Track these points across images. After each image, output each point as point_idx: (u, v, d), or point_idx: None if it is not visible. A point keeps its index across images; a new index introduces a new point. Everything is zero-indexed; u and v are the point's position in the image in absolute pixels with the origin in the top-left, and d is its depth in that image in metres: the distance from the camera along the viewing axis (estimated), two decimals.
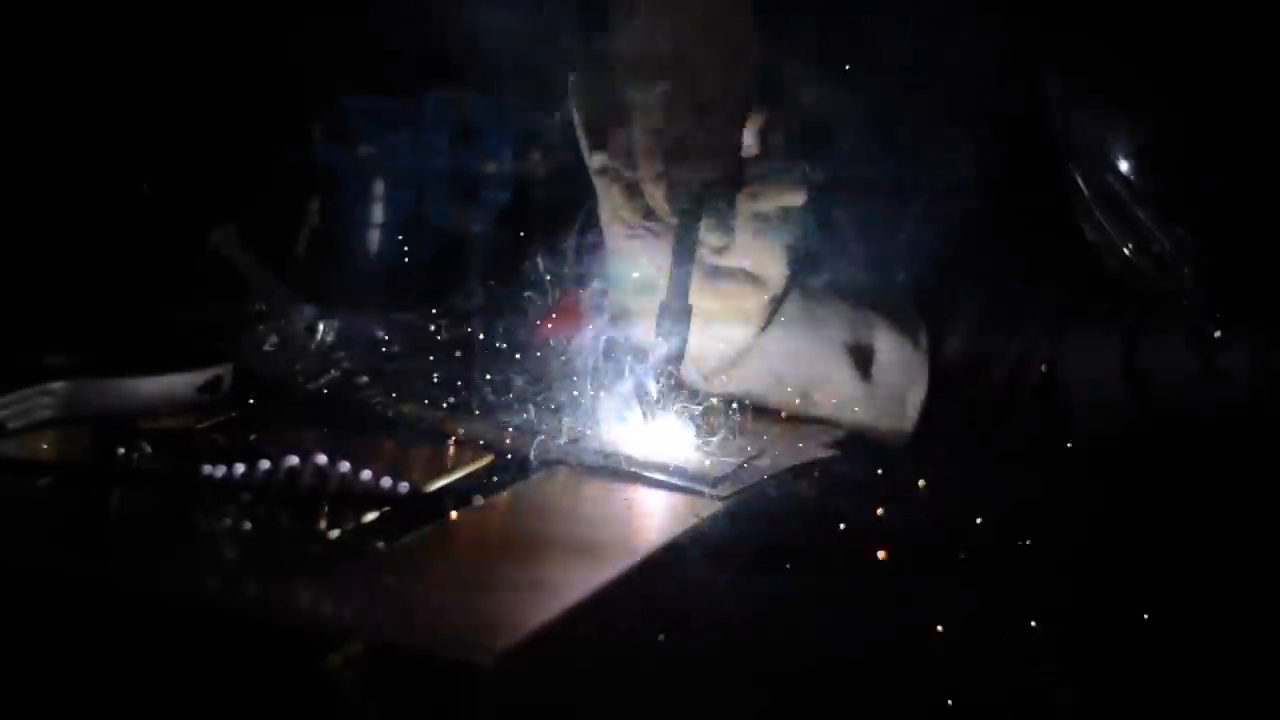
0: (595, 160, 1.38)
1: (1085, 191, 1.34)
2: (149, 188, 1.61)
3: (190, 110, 1.62)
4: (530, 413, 1.36)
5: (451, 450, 1.31)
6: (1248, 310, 1.29)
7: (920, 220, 1.42)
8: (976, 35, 1.38)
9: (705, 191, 1.34)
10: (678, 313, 1.31)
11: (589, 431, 1.32)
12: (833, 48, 1.39)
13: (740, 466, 1.28)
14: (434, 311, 1.53)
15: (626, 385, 1.32)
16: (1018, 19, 1.37)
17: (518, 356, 1.43)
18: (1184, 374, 1.33)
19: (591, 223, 1.42)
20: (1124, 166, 1.30)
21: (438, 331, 1.50)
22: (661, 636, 1.05)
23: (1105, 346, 1.38)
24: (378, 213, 1.66)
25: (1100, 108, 1.32)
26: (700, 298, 1.34)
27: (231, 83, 1.63)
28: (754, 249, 1.38)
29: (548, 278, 1.46)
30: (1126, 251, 1.33)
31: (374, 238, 1.66)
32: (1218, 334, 1.29)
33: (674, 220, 1.34)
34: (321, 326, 1.50)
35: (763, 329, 1.42)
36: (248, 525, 1.10)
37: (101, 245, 1.56)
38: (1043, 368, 1.40)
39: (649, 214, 1.37)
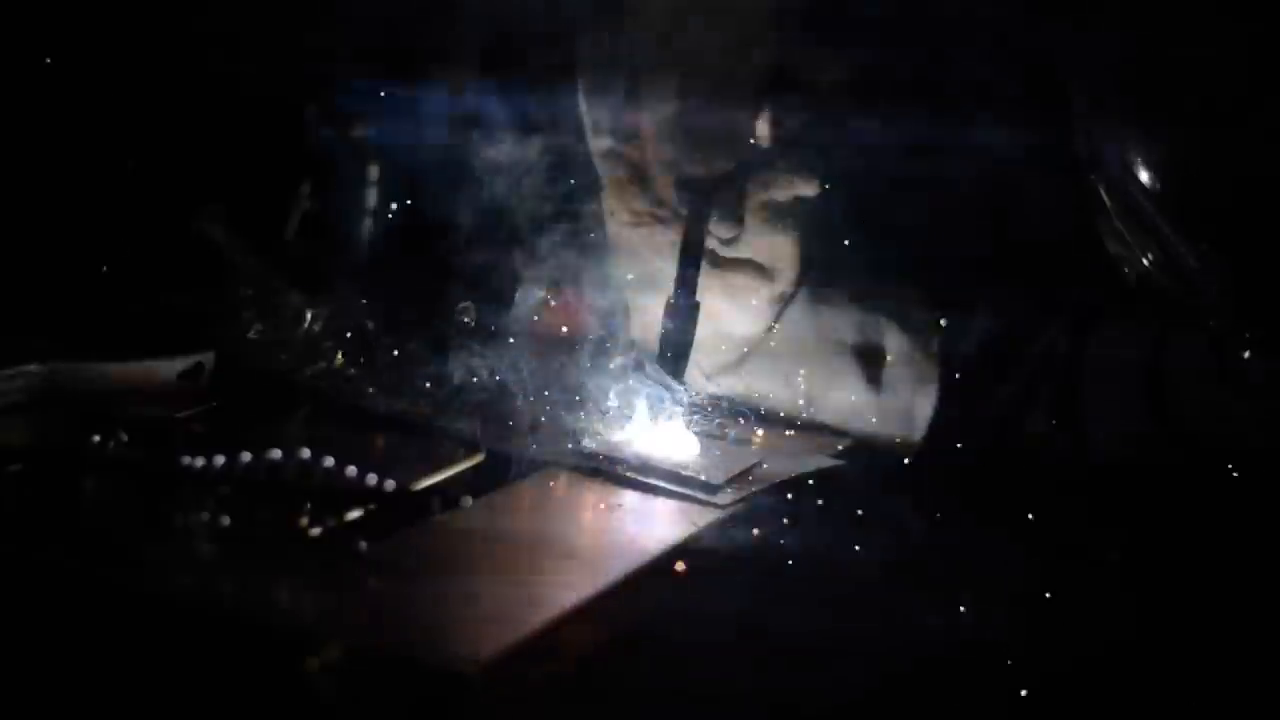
0: (601, 143, 1.38)
1: (1108, 202, 1.34)
2: (132, 164, 1.61)
3: (176, 85, 1.62)
4: (525, 411, 1.36)
5: (441, 448, 1.31)
6: (1278, 330, 1.29)
7: (936, 223, 1.41)
8: (1001, 41, 1.38)
9: (717, 182, 1.33)
10: (686, 310, 1.31)
11: (585, 432, 1.32)
12: (851, 42, 1.38)
13: (740, 473, 1.28)
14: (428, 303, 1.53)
15: (628, 385, 1.32)
16: (1044, 26, 1.37)
17: (514, 353, 1.43)
18: (1208, 393, 1.33)
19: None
20: (1149, 178, 1.30)
21: (431, 324, 1.50)
22: (654, 649, 1.05)
23: (1124, 362, 1.38)
24: (372, 197, 1.66)
25: (1125, 116, 1.32)
26: (706, 291, 1.33)
27: (221, 56, 1.63)
28: (764, 240, 1.38)
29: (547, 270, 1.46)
30: (1148, 264, 1.33)
31: (368, 224, 1.66)
32: (1246, 354, 1.29)
33: (683, 210, 1.34)
34: (309, 315, 1.50)
35: (769, 328, 1.42)
36: (226, 520, 1.10)
37: (80, 223, 1.55)
38: (1058, 382, 1.40)
39: (655, 200, 1.37)
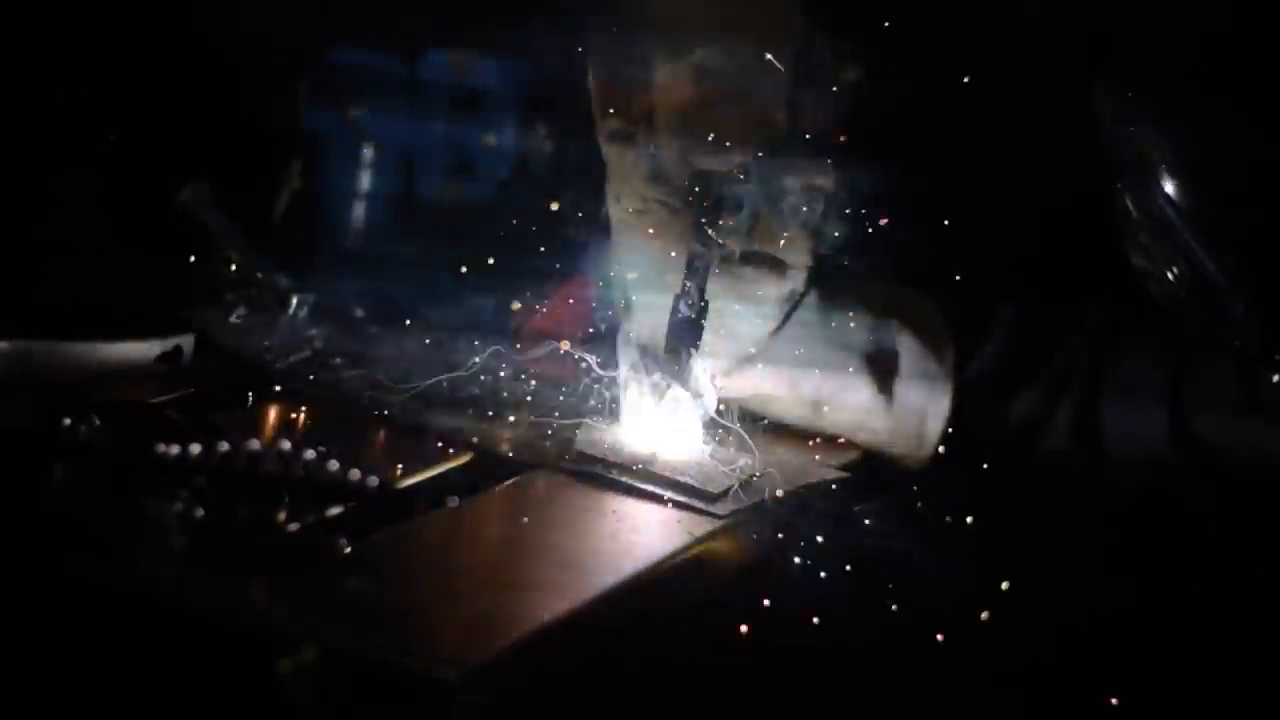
0: (609, 124, 1.37)
1: (1133, 214, 1.34)
2: (114, 137, 1.60)
3: (163, 55, 1.62)
4: (518, 409, 1.35)
5: (428, 444, 1.30)
6: None
7: (957, 225, 1.41)
8: (1027, 45, 1.38)
9: (731, 178, 1.33)
10: (694, 308, 1.30)
11: (581, 434, 1.31)
12: (878, 38, 1.38)
13: (742, 483, 1.27)
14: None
15: (627, 385, 1.32)
16: (1070, 33, 1.37)
17: (509, 347, 1.43)
18: (1232, 415, 1.33)
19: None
20: (1176, 190, 1.30)
21: (421, 314, 1.50)
22: (646, 660, 1.05)
23: (1147, 381, 1.38)
24: (365, 179, 1.66)
25: (1153, 126, 1.32)
26: (715, 286, 1.33)
27: (212, 27, 1.63)
28: (776, 232, 1.38)
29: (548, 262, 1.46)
30: (1173, 279, 1.33)
31: (359, 206, 1.65)
32: (1276, 377, 1.29)
33: (695, 199, 1.33)
34: (295, 300, 1.50)
35: (778, 328, 1.41)
36: (200, 512, 1.10)
37: (58, 197, 1.55)
38: (1078, 398, 1.40)
39: (665, 186, 1.36)
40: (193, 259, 1.54)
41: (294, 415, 1.33)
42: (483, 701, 0.91)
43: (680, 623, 1.10)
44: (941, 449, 1.40)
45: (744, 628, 1.10)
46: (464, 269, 1.50)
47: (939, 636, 1.13)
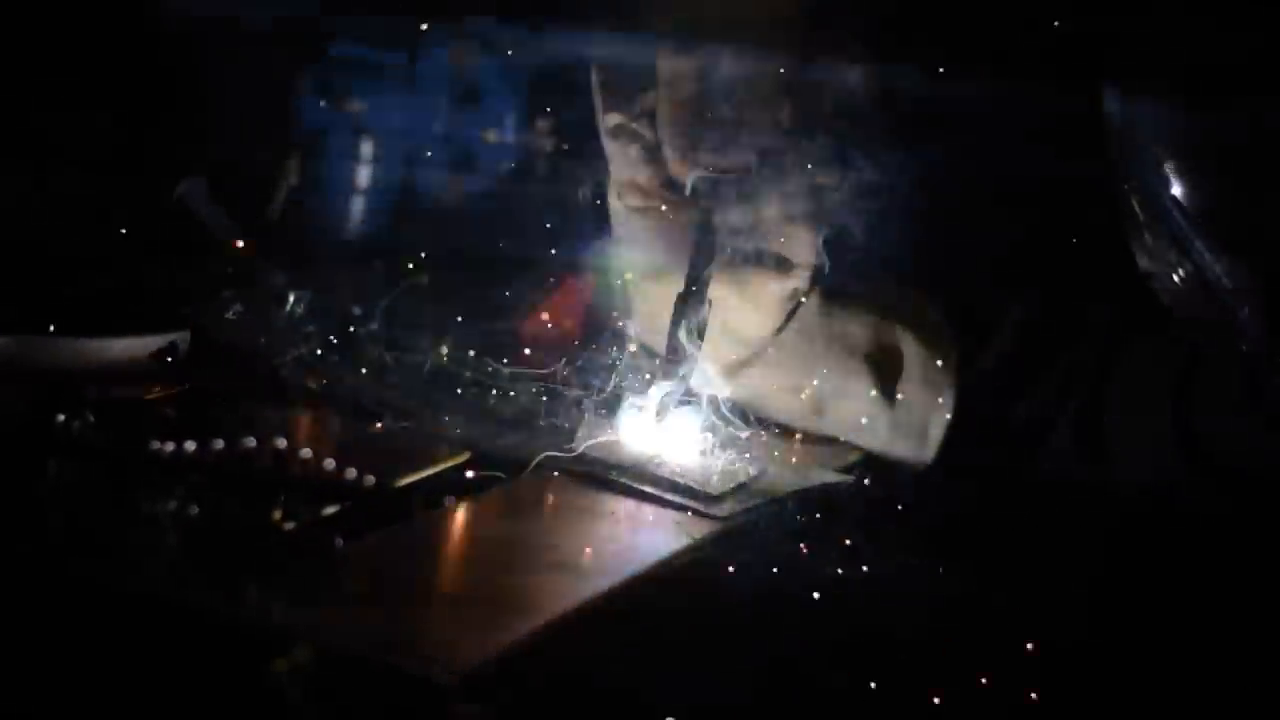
0: (611, 119, 1.37)
1: (1140, 215, 1.34)
2: (111, 131, 1.60)
3: (159, 47, 1.62)
4: (517, 408, 1.35)
5: (425, 443, 1.30)
6: None
7: (960, 225, 1.41)
8: (1033, 45, 1.38)
9: (734, 175, 1.33)
10: (696, 307, 1.30)
11: (580, 433, 1.31)
12: (881, 37, 1.38)
13: (741, 485, 1.27)
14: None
15: (627, 385, 1.32)
16: (1079, 32, 1.37)
17: (508, 346, 1.43)
18: (1239, 419, 1.33)
19: None
20: (1182, 191, 1.29)
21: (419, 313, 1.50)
22: (643, 663, 1.04)
23: (1152, 383, 1.38)
24: (363, 174, 1.65)
25: (1159, 127, 1.32)
26: (716, 285, 1.33)
27: (208, 19, 1.62)
28: (779, 230, 1.37)
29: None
30: (1177, 280, 1.33)
31: (357, 201, 1.65)
32: None
33: (697, 196, 1.33)
34: (292, 296, 1.50)
35: (780, 329, 1.41)
36: (195, 510, 1.09)
37: (53, 191, 1.55)
38: (1082, 402, 1.39)
39: (667, 181, 1.36)
40: (189, 255, 1.54)
41: (290, 413, 1.33)
42: (480, 703, 0.91)
43: (679, 624, 1.10)
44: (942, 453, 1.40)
45: (743, 629, 1.09)
46: (463, 265, 1.50)
47: (938, 637, 1.13)
